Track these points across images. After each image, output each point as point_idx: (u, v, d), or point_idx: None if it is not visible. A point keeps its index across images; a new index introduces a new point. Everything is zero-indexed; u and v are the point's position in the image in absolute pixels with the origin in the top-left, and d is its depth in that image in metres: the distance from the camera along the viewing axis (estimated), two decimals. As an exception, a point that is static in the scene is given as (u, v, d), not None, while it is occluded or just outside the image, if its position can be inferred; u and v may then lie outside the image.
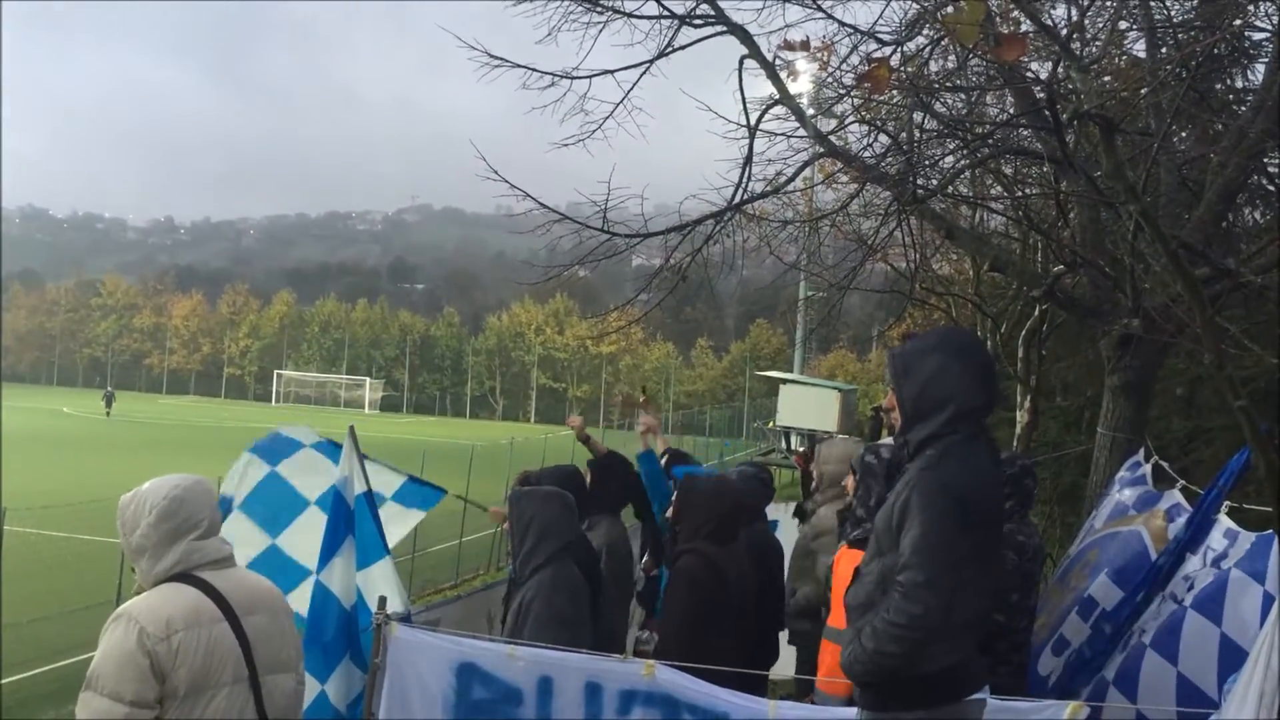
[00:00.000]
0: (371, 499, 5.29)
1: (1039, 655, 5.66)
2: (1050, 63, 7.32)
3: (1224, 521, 4.74)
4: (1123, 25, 8.10)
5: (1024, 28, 7.54)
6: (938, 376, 3.43)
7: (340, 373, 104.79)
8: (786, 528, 7.42)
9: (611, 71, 7.36)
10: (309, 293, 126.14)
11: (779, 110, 7.75)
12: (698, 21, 7.23)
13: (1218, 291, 6.40)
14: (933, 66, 8.28)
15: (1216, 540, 4.70)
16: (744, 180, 7.53)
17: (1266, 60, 7.52)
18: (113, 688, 3.21)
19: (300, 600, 5.03)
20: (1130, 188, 4.72)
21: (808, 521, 6.50)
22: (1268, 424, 4.90)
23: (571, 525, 5.08)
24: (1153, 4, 7.88)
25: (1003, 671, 4.87)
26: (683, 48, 7.34)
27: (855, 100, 8.29)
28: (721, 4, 7.21)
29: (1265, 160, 7.77)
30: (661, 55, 7.31)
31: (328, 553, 5.13)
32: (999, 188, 11.69)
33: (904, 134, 7.65)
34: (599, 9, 7.21)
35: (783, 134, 8.18)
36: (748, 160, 7.47)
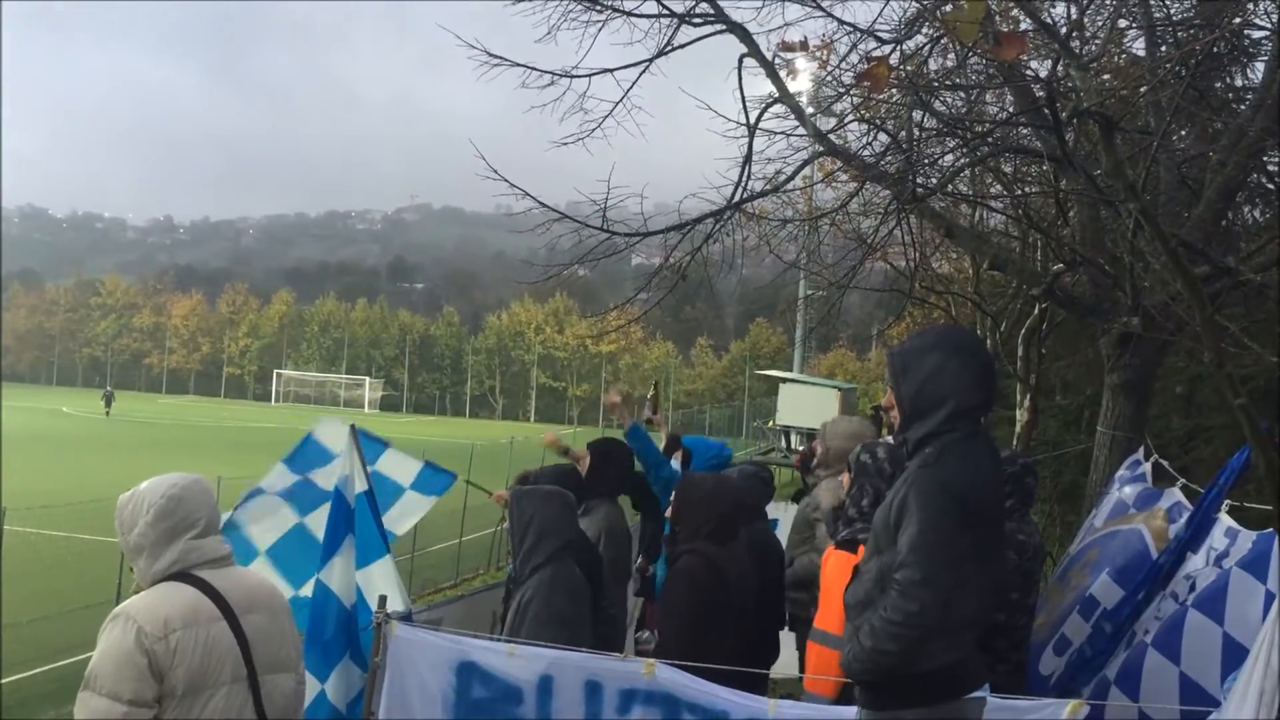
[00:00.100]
0: (372, 498, 5.29)
1: (1040, 655, 5.66)
2: (1050, 61, 7.32)
3: (1225, 520, 4.74)
4: (1122, 23, 8.10)
5: (1023, 26, 7.53)
6: (936, 375, 3.42)
7: (340, 372, 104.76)
8: (787, 526, 7.42)
9: (611, 70, 7.35)
10: (308, 292, 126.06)
11: (778, 109, 7.76)
12: (697, 20, 7.22)
13: (1217, 290, 6.40)
14: (932, 65, 8.28)
15: (1218, 539, 4.70)
16: (743, 179, 7.52)
17: (1266, 58, 7.52)
18: (111, 687, 3.21)
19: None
20: (1130, 186, 4.72)
21: (808, 494, 6.49)
22: (1268, 422, 4.90)
23: (571, 524, 5.09)
24: (1152, 2, 7.88)
25: (1002, 670, 4.87)
26: (682, 46, 7.33)
27: (854, 99, 8.30)
28: (721, 3, 7.21)
29: (1265, 158, 7.77)
30: (661, 54, 7.30)
31: (328, 552, 5.13)
32: (998, 186, 11.68)
33: (903, 132, 7.65)
34: (598, 8, 7.20)
35: (782, 133, 8.19)
36: (747, 159, 7.47)
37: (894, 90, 7.56)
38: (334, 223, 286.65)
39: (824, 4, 7.20)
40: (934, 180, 8.02)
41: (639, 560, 6.98)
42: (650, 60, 7.30)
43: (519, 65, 7.25)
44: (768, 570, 5.79)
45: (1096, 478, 7.91)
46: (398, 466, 6.70)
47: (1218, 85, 8.58)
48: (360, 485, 5.20)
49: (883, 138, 7.98)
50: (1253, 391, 7.42)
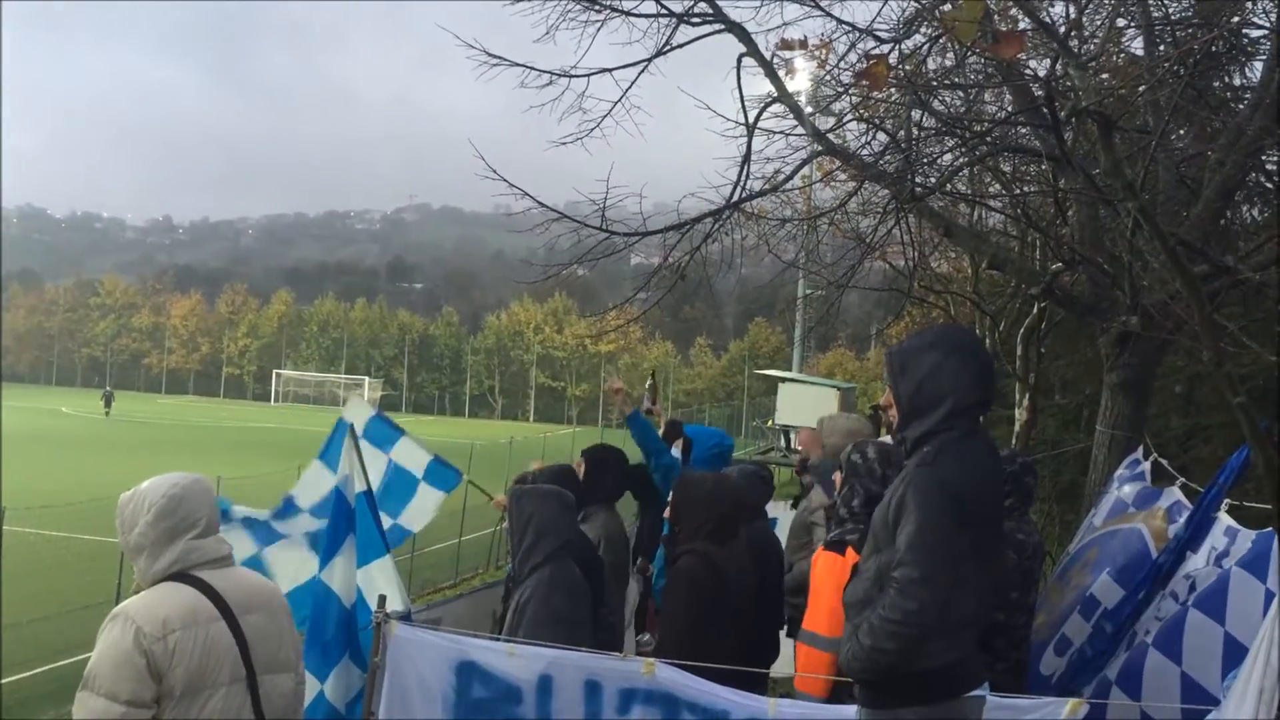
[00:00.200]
0: (371, 498, 5.29)
1: (1041, 655, 5.66)
2: (1048, 60, 7.34)
3: (1224, 519, 4.74)
4: (1121, 23, 8.10)
5: (1022, 25, 7.54)
6: (934, 373, 3.43)
7: (339, 372, 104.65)
8: (786, 526, 7.43)
9: (610, 70, 7.35)
10: (307, 292, 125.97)
11: (777, 108, 7.76)
12: (696, 20, 7.22)
13: (1216, 289, 6.41)
14: (931, 64, 8.29)
15: (1218, 538, 4.70)
16: (742, 178, 7.53)
17: (1264, 57, 7.53)
18: (109, 687, 3.21)
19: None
20: (1128, 185, 4.72)
21: (804, 497, 6.49)
22: (1267, 421, 4.90)
23: (570, 524, 5.08)
24: (1150, 1, 7.89)
25: (1000, 669, 4.87)
26: (681, 46, 7.33)
27: (853, 98, 8.31)
28: (719, 2, 7.21)
29: (1263, 157, 7.77)
30: (660, 54, 7.30)
31: (329, 552, 5.12)
32: (997, 185, 11.69)
33: (902, 132, 7.66)
34: (597, 7, 7.20)
35: (781, 132, 8.20)
36: (746, 158, 7.47)
37: (893, 89, 7.57)
38: (333, 223, 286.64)
39: (822, 3, 7.21)
40: (933, 179, 8.03)
41: (639, 561, 6.98)
42: (649, 60, 7.30)
43: (518, 65, 7.25)
44: (767, 570, 5.78)
45: (1096, 477, 7.92)
46: (411, 455, 6.74)
47: (1216, 84, 8.58)
48: (360, 485, 5.20)
49: (881, 137, 7.99)
50: (1252, 390, 7.43)
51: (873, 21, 7.15)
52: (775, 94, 7.52)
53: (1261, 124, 6.68)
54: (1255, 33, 7.88)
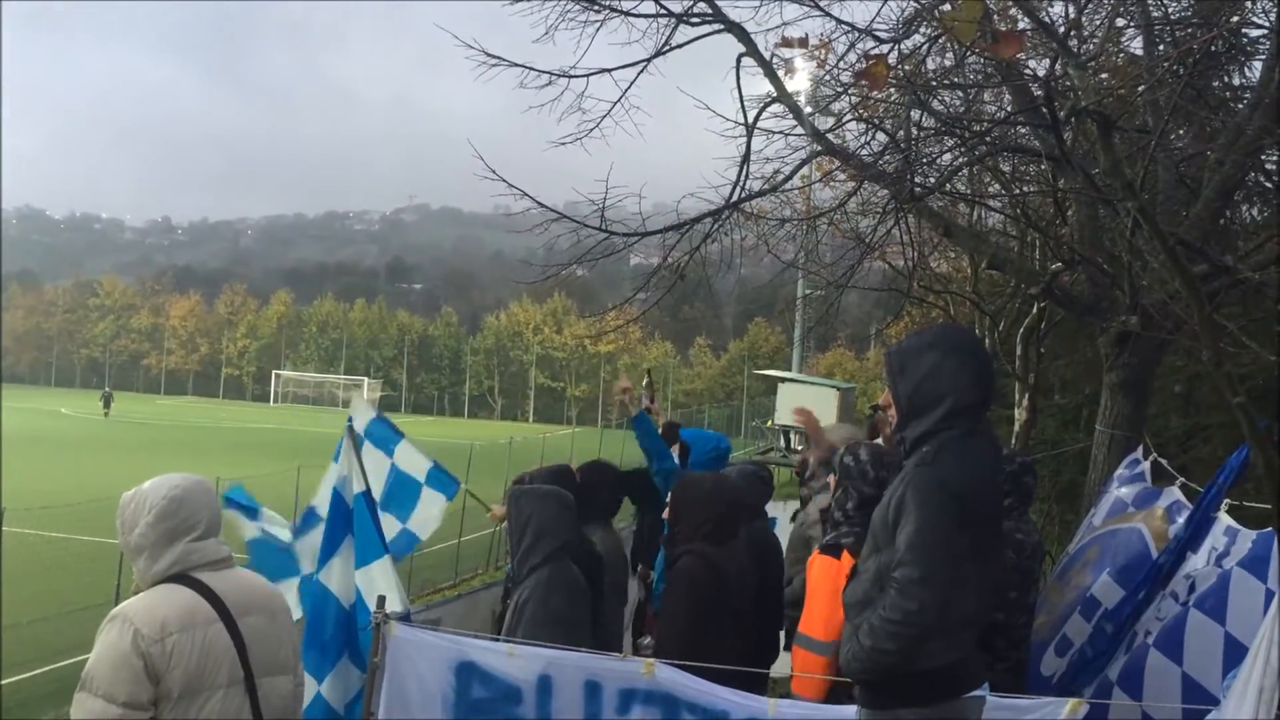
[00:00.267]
0: (370, 498, 5.28)
1: (1042, 655, 5.65)
2: (1048, 60, 7.34)
3: (1224, 519, 4.74)
4: (1120, 22, 8.10)
5: (1021, 25, 7.54)
6: (933, 373, 3.42)
7: (338, 373, 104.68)
8: (785, 526, 7.43)
9: (609, 70, 7.35)
10: (307, 293, 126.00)
11: (776, 108, 7.76)
12: (695, 20, 7.22)
13: (1215, 288, 6.41)
14: (930, 64, 8.29)
15: (1218, 538, 4.70)
16: (742, 179, 7.52)
17: (1264, 57, 7.53)
18: (106, 689, 3.21)
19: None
20: (1128, 185, 4.72)
21: (803, 509, 6.48)
22: (1266, 421, 4.90)
23: (570, 524, 5.07)
24: (1150, 1, 7.89)
25: (1000, 669, 4.87)
26: (680, 46, 7.33)
27: (853, 98, 8.31)
28: (719, 2, 7.21)
29: (1263, 157, 7.77)
30: (659, 54, 7.30)
31: (327, 552, 5.12)
32: (997, 185, 11.69)
33: (901, 132, 7.65)
34: (596, 8, 7.20)
35: (780, 132, 8.20)
36: (745, 158, 7.47)
37: (892, 89, 7.57)
38: (332, 223, 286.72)
39: (822, 3, 7.21)
40: (932, 179, 8.03)
41: (639, 567, 6.97)
42: (648, 60, 7.30)
43: (517, 65, 7.25)
44: (767, 570, 5.78)
45: (1095, 476, 7.92)
46: (412, 461, 6.72)
47: (1215, 84, 8.58)
48: (358, 486, 5.19)
49: (881, 137, 7.99)
50: (1251, 390, 7.43)
51: (872, 21, 7.16)
52: (774, 94, 7.52)
53: (1261, 123, 6.68)
54: (1254, 32, 7.89)
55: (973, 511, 3.28)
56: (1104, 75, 8.29)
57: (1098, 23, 8.00)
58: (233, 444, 46.42)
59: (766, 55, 7.29)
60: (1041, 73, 7.66)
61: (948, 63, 8.35)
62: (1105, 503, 6.67)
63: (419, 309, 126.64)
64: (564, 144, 7.46)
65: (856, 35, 7.23)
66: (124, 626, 3.27)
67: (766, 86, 7.52)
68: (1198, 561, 4.76)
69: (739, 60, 7.28)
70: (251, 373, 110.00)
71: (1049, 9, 7.53)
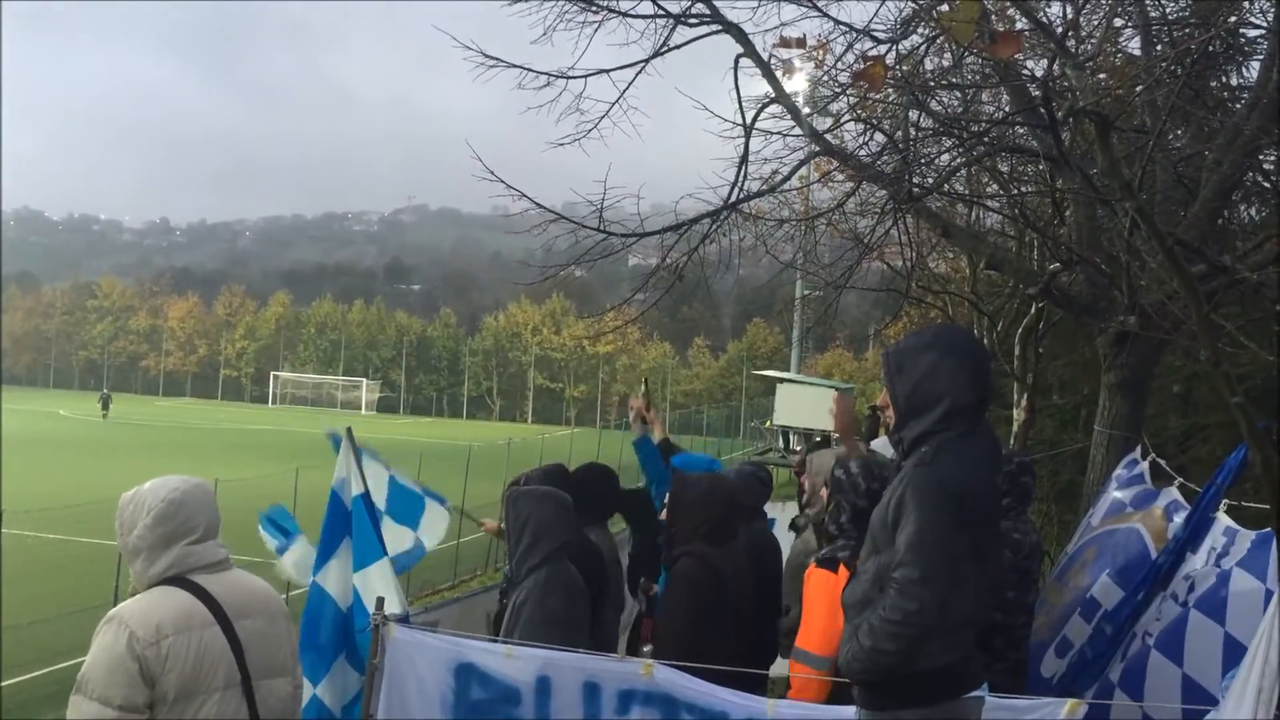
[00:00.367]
0: (369, 500, 5.27)
1: (1042, 657, 5.65)
2: (1045, 60, 7.35)
3: (1223, 519, 4.74)
4: (1118, 23, 8.11)
5: (1019, 25, 7.54)
6: (931, 374, 3.42)
7: (337, 374, 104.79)
8: (783, 526, 7.42)
9: (607, 71, 7.35)
10: (305, 294, 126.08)
11: (775, 109, 7.76)
12: (693, 20, 7.22)
13: (1214, 288, 6.41)
14: (928, 64, 8.29)
15: (1216, 538, 4.70)
16: (740, 179, 7.53)
17: (1261, 57, 7.53)
18: (102, 692, 3.21)
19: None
20: (1126, 185, 4.72)
21: (800, 535, 6.46)
22: (1265, 421, 4.90)
23: (567, 525, 5.06)
24: (1148, 1, 7.89)
25: (998, 668, 4.87)
26: (678, 47, 7.33)
27: (851, 99, 8.31)
28: (717, 3, 7.21)
29: (1261, 157, 7.77)
30: (657, 54, 7.30)
31: (324, 555, 5.12)
32: (995, 186, 11.70)
33: (900, 132, 7.66)
34: (594, 8, 7.20)
35: (778, 133, 8.19)
36: (743, 159, 7.47)
37: (890, 90, 7.58)
38: (331, 224, 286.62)
39: (820, 4, 7.21)
40: (930, 180, 8.03)
41: (642, 580, 6.94)
42: (646, 61, 7.30)
43: (515, 66, 7.25)
44: (765, 570, 5.78)
45: (1094, 477, 7.92)
46: (405, 477, 6.69)
47: (1213, 84, 8.59)
48: (356, 488, 5.18)
49: (879, 137, 8.00)
50: (1250, 390, 7.42)
51: (870, 22, 7.16)
52: (773, 94, 7.52)
53: (1259, 123, 6.68)
54: (1252, 32, 7.89)
55: (971, 512, 3.28)
56: (1102, 75, 8.29)
57: (1095, 23, 8.01)
58: (231, 445, 46.43)
59: (764, 56, 7.30)
60: (1039, 73, 7.67)
61: (946, 63, 8.35)
62: (1103, 503, 6.67)
63: (417, 310, 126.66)
64: (562, 145, 7.47)
65: (854, 36, 7.23)
66: (119, 629, 3.27)
67: (764, 87, 7.53)
68: (1197, 562, 4.76)
69: (737, 61, 7.29)
70: (250, 374, 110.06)
71: (1047, 9, 7.53)
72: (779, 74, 7.44)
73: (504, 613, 5.11)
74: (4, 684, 11.95)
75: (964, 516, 3.25)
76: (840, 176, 10.27)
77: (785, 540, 6.64)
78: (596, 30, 7.26)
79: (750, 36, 7.24)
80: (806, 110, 8.68)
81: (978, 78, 8.48)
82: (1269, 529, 4.22)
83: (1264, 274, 6.45)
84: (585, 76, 7.29)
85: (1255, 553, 4.25)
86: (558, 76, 7.27)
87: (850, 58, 7.46)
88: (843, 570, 4.54)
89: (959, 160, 8.30)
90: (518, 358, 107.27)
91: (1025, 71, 8.08)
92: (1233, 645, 4.05)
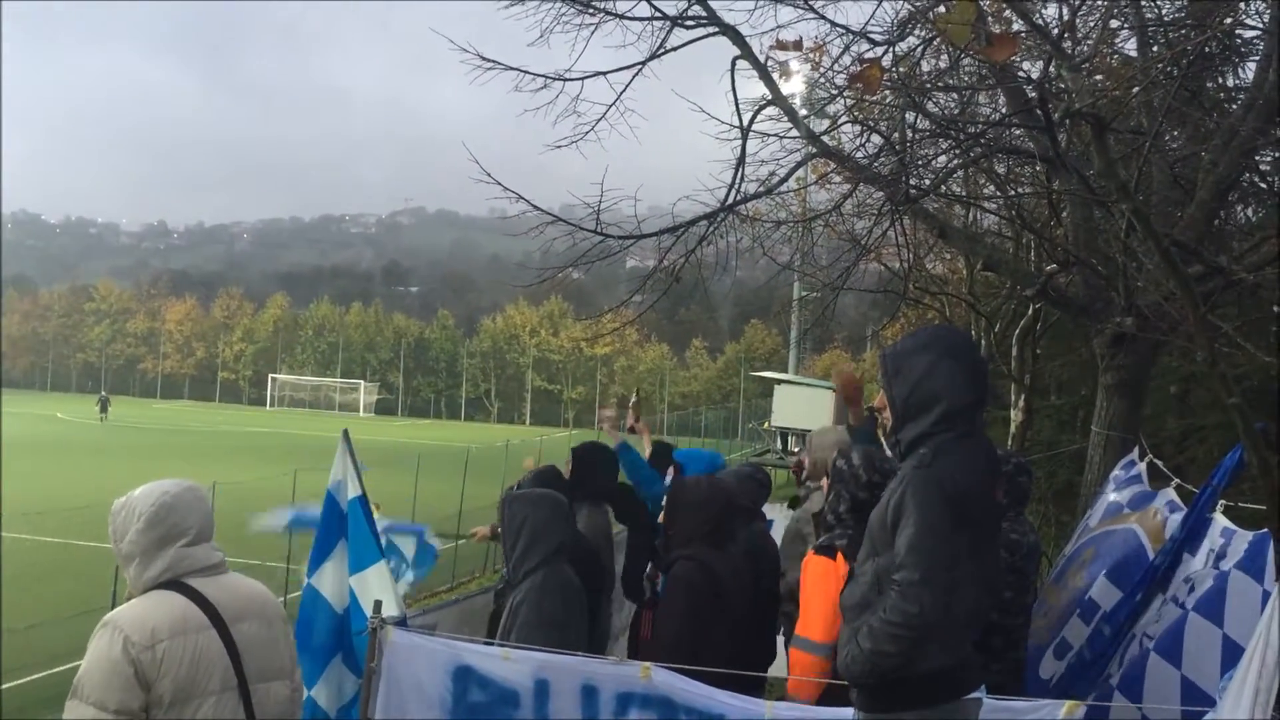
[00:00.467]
0: (366, 503, 5.28)
1: (1041, 658, 5.65)
2: (1042, 62, 7.34)
3: (1220, 520, 4.74)
4: (1114, 24, 8.11)
5: (1015, 27, 7.55)
6: (928, 375, 3.42)
7: (335, 376, 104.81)
8: (782, 529, 7.42)
9: (604, 73, 7.35)
10: (303, 296, 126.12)
11: (771, 111, 7.76)
12: (690, 23, 7.23)
13: (1210, 289, 6.41)
14: (925, 66, 8.31)
15: (1214, 540, 4.70)
16: (737, 181, 7.54)
17: (1257, 58, 7.54)
18: (98, 696, 3.21)
19: None
20: (1122, 186, 4.74)
21: (799, 507, 6.48)
22: (1262, 422, 4.91)
23: (563, 527, 5.06)
24: (1143, 3, 7.90)
25: (997, 669, 4.88)
26: (675, 49, 7.34)
27: (848, 100, 8.32)
28: (713, 5, 7.22)
29: (1257, 158, 7.79)
30: (654, 57, 7.31)
31: (319, 557, 5.12)
32: (992, 187, 11.72)
33: (896, 134, 7.66)
34: (591, 11, 7.21)
35: (775, 135, 8.20)
36: (740, 161, 7.48)
37: (887, 92, 7.58)
38: (328, 226, 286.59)
39: (816, 6, 7.22)
40: (927, 181, 8.04)
41: (649, 568, 6.93)
42: (643, 63, 7.31)
43: (512, 69, 7.26)
44: (763, 573, 5.78)
45: (1091, 478, 7.92)
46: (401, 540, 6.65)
47: (1209, 85, 8.60)
48: (353, 490, 5.18)
49: (876, 139, 8.00)
50: (1246, 391, 7.43)
51: (866, 24, 7.18)
52: (770, 96, 7.53)
53: (1255, 124, 6.69)
54: (1248, 33, 7.90)
55: (970, 513, 3.29)
56: (1098, 77, 8.29)
57: (1091, 24, 8.02)
58: (230, 448, 46.39)
59: (761, 58, 7.30)
60: (1036, 75, 7.67)
61: (942, 65, 8.37)
62: (1101, 504, 6.67)
63: (415, 312, 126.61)
64: (559, 147, 7.48)
65: (851, 38, 7.24)
66: (114, 634, 3.27)
67: (761, 89, 7.53)
68: (1196, 564, 4.76)
69: (734, 63, 7.29)
70: (248, 376, 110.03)
71: (1043, 11, 7.54)
72: (776, 76, 7.44)
73: (499, 614, 5.11)
74: (3, 687, 11.94)
75: (963, 518, 3.25)
76: (837, 178, 10.29)
77: (784, 528, 6.63)
78: (593, 32, 7.28)
79: (747, 38, 7.25)
80: (803, 112, 8.69)
81: (974, 79, 8.48)
82: (1266, 529, 4.22)
83: (1261, 275, 6.46)
84: (582, 79, 7.29)
85: (1253, 553, 4.25)
86: (555, 79, 7.28)
87: (847, 59, 7.48)
88: (840, 558, 4.56)
89: (956, 162, 8.32)
90: (515, 359, 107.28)
91: (1022, 73, 8.10)
92: (1230, 646, 4.05)
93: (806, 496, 6.22)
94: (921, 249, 13.23)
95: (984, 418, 3.63)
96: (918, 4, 7.13)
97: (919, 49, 7.70)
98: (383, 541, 5.27)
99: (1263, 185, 8.56)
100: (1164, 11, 8.22)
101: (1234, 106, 7.99)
